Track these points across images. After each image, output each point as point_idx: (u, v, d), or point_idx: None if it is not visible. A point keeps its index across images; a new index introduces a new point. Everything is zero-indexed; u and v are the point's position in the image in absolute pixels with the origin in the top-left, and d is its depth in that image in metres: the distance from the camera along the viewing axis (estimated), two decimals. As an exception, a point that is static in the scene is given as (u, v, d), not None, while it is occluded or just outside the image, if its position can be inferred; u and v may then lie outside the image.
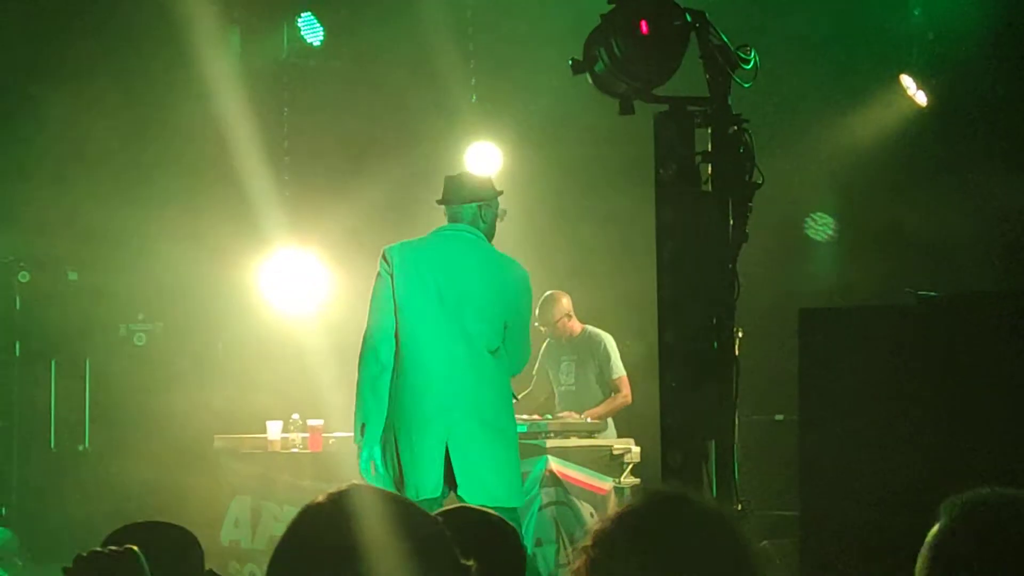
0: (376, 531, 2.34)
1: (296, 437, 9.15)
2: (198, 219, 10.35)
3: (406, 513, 2.40)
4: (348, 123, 10.65)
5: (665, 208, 5.29)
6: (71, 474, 10.60)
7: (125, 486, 10.09)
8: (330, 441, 9.05)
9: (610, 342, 9.50)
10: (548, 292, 9.49)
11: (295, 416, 9.26)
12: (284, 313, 10.45)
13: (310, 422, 9.09)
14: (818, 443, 2.89)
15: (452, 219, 6.89)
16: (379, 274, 6.67)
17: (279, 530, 7.42)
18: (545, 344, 9.66)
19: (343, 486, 2.45)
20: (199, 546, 3.59)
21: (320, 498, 2.37)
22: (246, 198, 10.01)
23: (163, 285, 10.80)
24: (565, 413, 9.21)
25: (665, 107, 5.36)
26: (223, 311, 10.61)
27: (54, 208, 10.29)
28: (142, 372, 10.70)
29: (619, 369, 9.47)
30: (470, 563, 2.34)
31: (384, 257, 6.70)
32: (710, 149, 5.36)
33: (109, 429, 10.76)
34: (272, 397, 9.77)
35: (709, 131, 5.36)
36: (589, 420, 9.06)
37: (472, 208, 6.84)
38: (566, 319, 9.52)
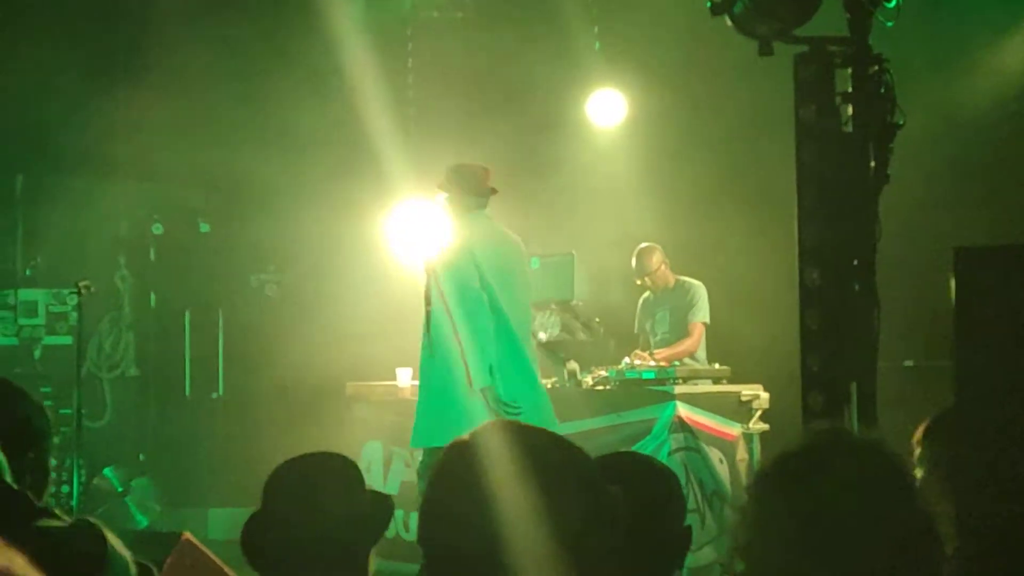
0: (522, 464, 2.39)
1: (426, 384, 9.24)
2: (326, 171, 10.47)
3: (553, 445, 2.44)
4: (471, 74, 10.69)
5: (805, 150, 5.26)
6: (205, 421, 10.82)
7: (258, 433, 10.28)
8: (460, 388, 9.14)
9: (700, 290, 9.56)
10: (643, 245, 9.53)
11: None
12: (410, 262, 10.53)
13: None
14: (977, 393, 2.84)
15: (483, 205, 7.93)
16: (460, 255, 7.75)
17: (410, 476, 7.58)
18: (641, 301, 9.71)
19: (486, 423, 2.50)
20: (359, 470, 3.68)
21: (465, 436, 2.43)
22: (372, 150, 10.10)
23: (293, 236, 10.95)
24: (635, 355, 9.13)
25: (805, 47, 5.32)
26: (351, 261, 10.72)
27: (187, 162, 10.48)
28: (273, 321, 10.88)
29: (698, 315, 9.52)
30: (615, 489, 2.38)
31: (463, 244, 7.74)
32: (850, 90, 5.32)
33: (242, 377, 10.95)
34: (402, 344, 9.88)
35: (849, 72, 5.32)
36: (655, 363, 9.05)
37: None
38: (663, 268, 9.56)
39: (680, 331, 9.56)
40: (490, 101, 10.58)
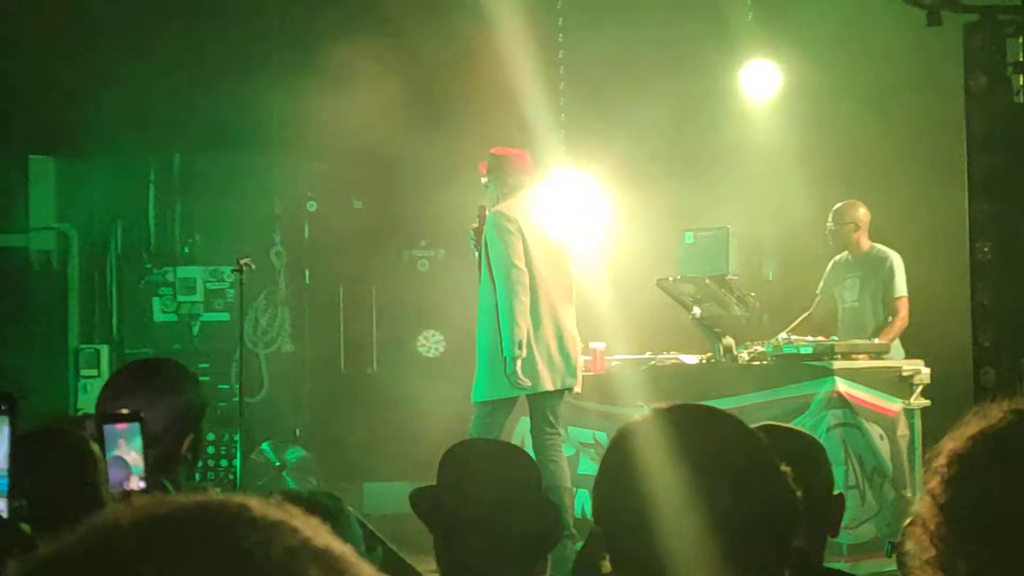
0: (698, 445, 2.35)
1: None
2: (477, 146, 10.46)
3: (727, 427, 2.40)
4: (622, 47, 10.61)
5: (975, 122, 5.13)
6: (360, 396, 10.92)
7: (412, 407, 10.36)
8: (612, 363, 9.11)
9: (897, 261, 9.21)
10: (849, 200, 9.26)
11: (577, 339, 9.33)
12: (562, 236, 10.50)
13: (592, 345, 9.16)
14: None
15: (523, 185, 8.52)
16: (510, 230, 8.28)
17: (565, 451, 7.54)
18: (831, 264, 9.49)
19: (662, 404, 2.47)
20: (526, 455, 3.68)
21: (637, 417, 2.39)
22: (523, 126, 10.09)
23: (444, 212, 10.97)
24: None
25: (975, 16, 5.18)
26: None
27: (340, 138, 10.57)
28: (425, 297, 10.95)
29: (902, 289, 9.19)
30: (787, 470, 2.33)
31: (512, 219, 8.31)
32: (1022, 59, 5.17)
33: (395, 352, 11.04)
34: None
35: (1021, 40, 5.17)
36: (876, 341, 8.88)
37: None
38: (852, 228, 9.23)
39: (867, 300, 9.28)
40: (641, 74, 10.49)
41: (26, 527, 2.31)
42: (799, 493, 2.31)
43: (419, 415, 10.07)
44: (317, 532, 0.95)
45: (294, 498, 2.77)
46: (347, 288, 11.31)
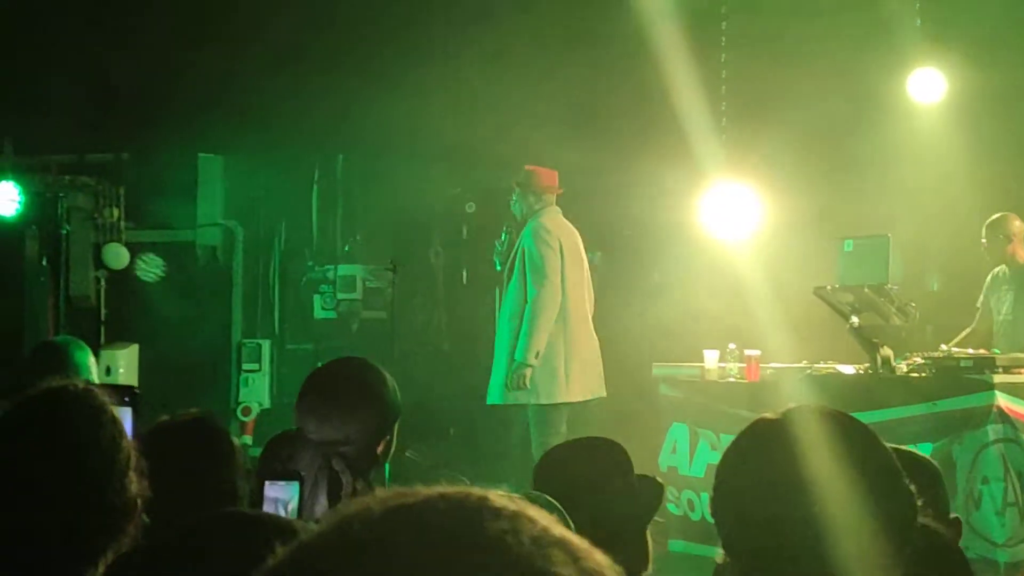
0: (830, 442, 2.31)
1: (733, 367, 9.17)
2: (636, 152, 10.46)
3: (860, 429, 2.36)
4: (786, 52, 10.49)
5: None
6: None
7: (569, 412, 10.36)
8: (767, 371, 9.02)
9: None
10: (1002, 213, 9.08)
11: (732, 346, 9.27)
12: (721, 244, 10.44)
13: (747, 352, 9.09)
14: None
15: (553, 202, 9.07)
16: (550, 245, 8.81)
17: (716, 458, 7.47)
18: (989, 276, 9.27)
19: (791, 405, 2.43)
20: (627, 454, 3.64)
21: (770, 414, 2.37)
22: (684, 131, 10.04)
23: (603, 217, 10.98)
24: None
25: None
26: (660, 242, 10.71)
27: (499, 142, 10.64)
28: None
29: None
30: (913, 489, 2.29)
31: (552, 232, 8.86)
32: None
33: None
34: (710, 326, 9.82)
35: None
36: None
37: None
38: (1004, 241, 9.04)
39: (1022, 314, 9.07)
40: (805, 79, 10.35)
41: (144, 518, 2.33)
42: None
43: (574, 418, 10.07)
44: (552, 522, 0.98)
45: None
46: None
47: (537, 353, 8.63)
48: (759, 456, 2.31)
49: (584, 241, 11.34)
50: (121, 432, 2.30)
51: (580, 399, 8.91)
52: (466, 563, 0.91)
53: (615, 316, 10.49)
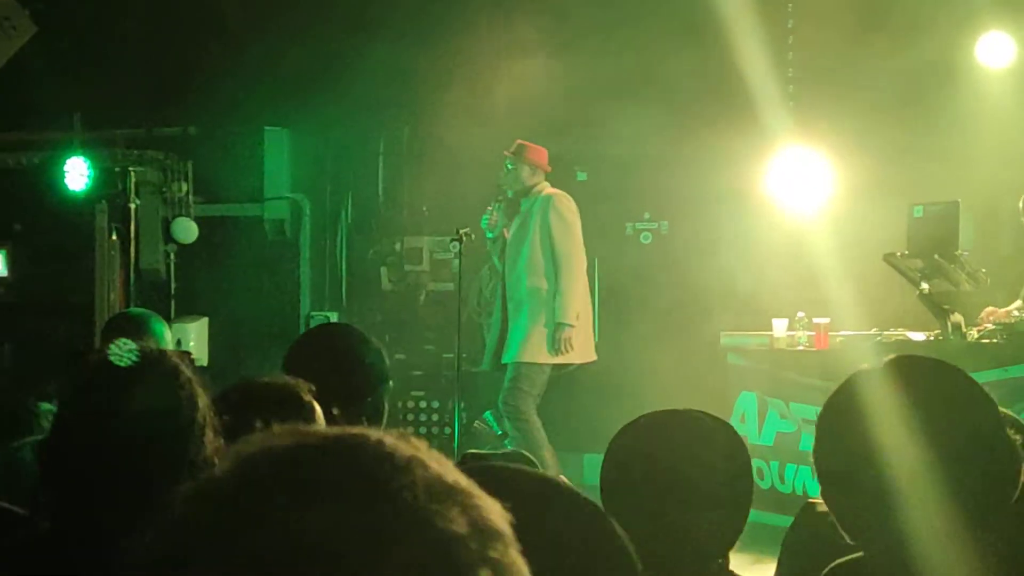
0: (931, 392, 2.30)
1: (802, 335, 9.12)
2: (702, 119, 10.40)
3: (960, 378, 2.35)
4: (854, 17, 10.37)
5: None
6: (581, 367, 10.92)
7: (636, 381, 10.35)
8: (837, 339, 8.96)
9: None
10: None
11: (800, 314, 9.22)
12: (790, 212, 10.36)
13: (816, 320, 9.03)
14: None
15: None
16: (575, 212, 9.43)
17: (786, 427, 7.44)
18: None
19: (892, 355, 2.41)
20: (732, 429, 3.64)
21: (866, 365, 2.36)
22: (750, 98, 9.97)
23: (668, 185, 10.94)
24: None
25: None
26: (727, 210, 10.64)
27: (564, 110, 10.61)
28: (648, 270, 10.92)
29: None
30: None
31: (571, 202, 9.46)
32: None
33: (617, 324, 11.03)
34: (778, 294, 9.76)
35: None
36: None
37: None
38: None
39: None
40: (874, 42, 10.24)
41: None
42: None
43: (639, 386, 10.06)
44: (448, 469, 0.96)
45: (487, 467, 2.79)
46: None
47: (577, 315, 9.17)
48: (854, 406, 2.32)
49: (651, 210, 11.35)
50: (198, 392, 2.37)
51: (584, 361, 9.51)
52: (355, 518, 0.89)
53: (682, 286, 10.46)
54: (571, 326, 9.17)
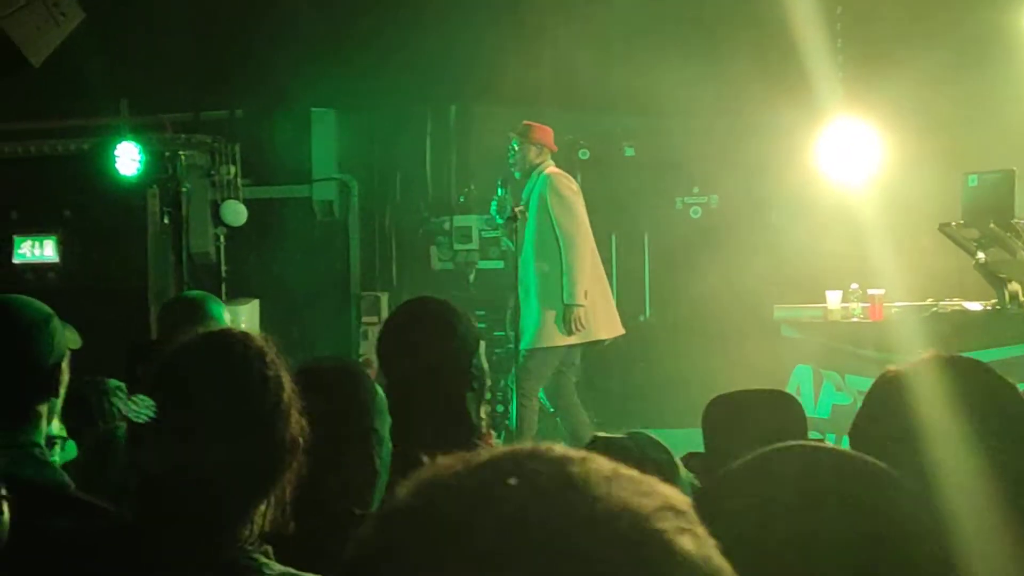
0: (973, 392, 2.26)
1: (856, 306, 9.07)
2: (751, 92, 10.31)
3: (998, 379, 2.31)
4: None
5: None
6: (634, 344, 10.89)
7: (686, 355, 10.32)
8: (892, 310, 8.90)
9: None
10: None
11: (854, 286, 9.16)
12: (840, 183, 10.28)
13: (870, 291, 8.97)
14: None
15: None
16: (575, 191, 9.36)
17: (842, 400, 7.37)
18: None
19: (930, 353, 2.37)
20: (798, 405, 3.65)
21: (893, 367, 2.32)
22: (800, 69, 9.88)
23: (717, 158, 10.87)
24: None
25: None
26: (777, 182, 10.56)
27: (611, 86, 10.56)
28: (698, 244, 10.85)
29: None
30: None
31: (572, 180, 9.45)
32: None
33: (668, 300, 10.99)
34: (831, 266, 9.69)
35: None
36: None
37: None
38: None
39: None
40: (925, 12, 10.14)
41: None
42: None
43: (693, 363, 10.02)
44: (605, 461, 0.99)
45: (619, 448, 2.76)
46: (619, 236, 11.29)
47: (585, 293, 9.07)
48: (893, 403, 2.29)
49: (700, 184, 11.28)
50: (283, 372, 2.39)
51: (610, 336, 9.37)
52: (560, 512, 0.93)
53: (733, 259, 10.39)
54: (580, 305, 9.06)
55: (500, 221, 9.54)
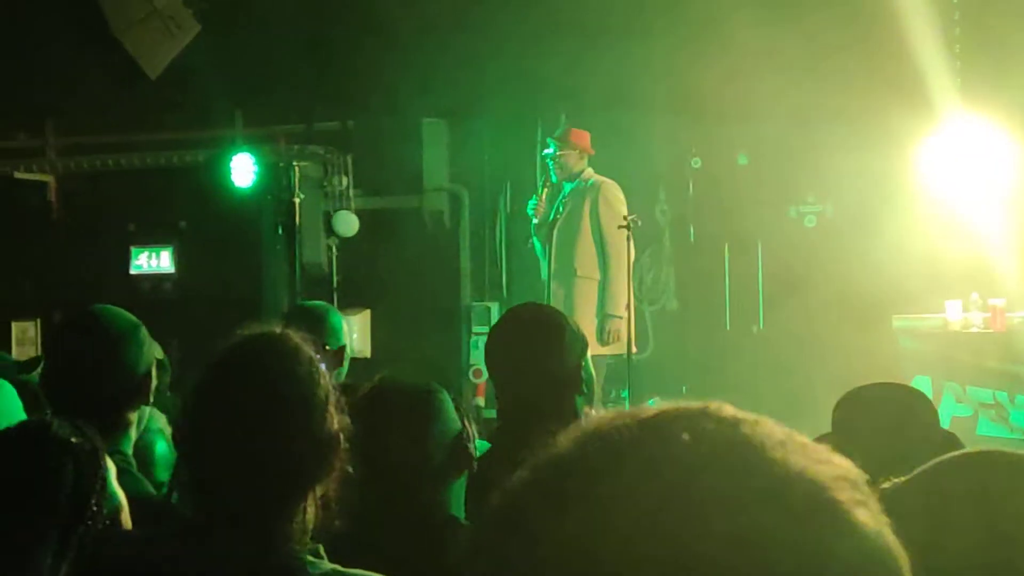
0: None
1: (976, 316, 8.90)
2: (865, 99, 10.16)
3: None
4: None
5: None
6: (745, 354, 10.79)
7: (800, 366, 10.18)
8: (1014, 321, 8.72)
9: None
10: None
11: (975, 295, 8.99)
12: (958, 188, 10.08)
13: (991, 301, 8.81)
14: None
15: None
16: (623, 202, 9.33)
17: (963, 411, 7.23)
18: None
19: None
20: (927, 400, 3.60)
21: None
22: (915, 77, 9.72)
23: (831, 166, 10.70)
24: None
25: None
26: (893, 190, 10.37)
27: (724, 94, 10.45)
28: (813, 253, 10.70)
29: None
30: None
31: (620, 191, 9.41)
32: None
33: (782, 310, 10.85)
34: (950, 275, 9.51)
35: None
36: None
37: None
38: None
39: None
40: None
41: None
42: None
43: (807, 374, 9.89)
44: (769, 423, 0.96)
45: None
46: (732, 245, 11.19)
47: (626, 305, 9.09)
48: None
49: (814, 192, 11.14)
50: (318, 370, 2.45)
51: (637, 352, 9.57)
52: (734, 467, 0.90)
53: (850, 268, 10.23)
54: (620, 317, 9.13)
55: (536, 222, 9.59)
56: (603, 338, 9.11)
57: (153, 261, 11.43)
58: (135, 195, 11.53)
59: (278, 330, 2.53)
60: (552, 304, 8.89)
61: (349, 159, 11.17)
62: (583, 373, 3.72)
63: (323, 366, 2.50)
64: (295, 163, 10.62)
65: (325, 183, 11.04)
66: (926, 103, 9.86)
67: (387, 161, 11.50)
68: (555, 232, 9.37)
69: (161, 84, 11.11)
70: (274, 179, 10.55)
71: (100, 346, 3.39)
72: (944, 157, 10.12)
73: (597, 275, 9.23)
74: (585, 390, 3.70)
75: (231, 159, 10.34)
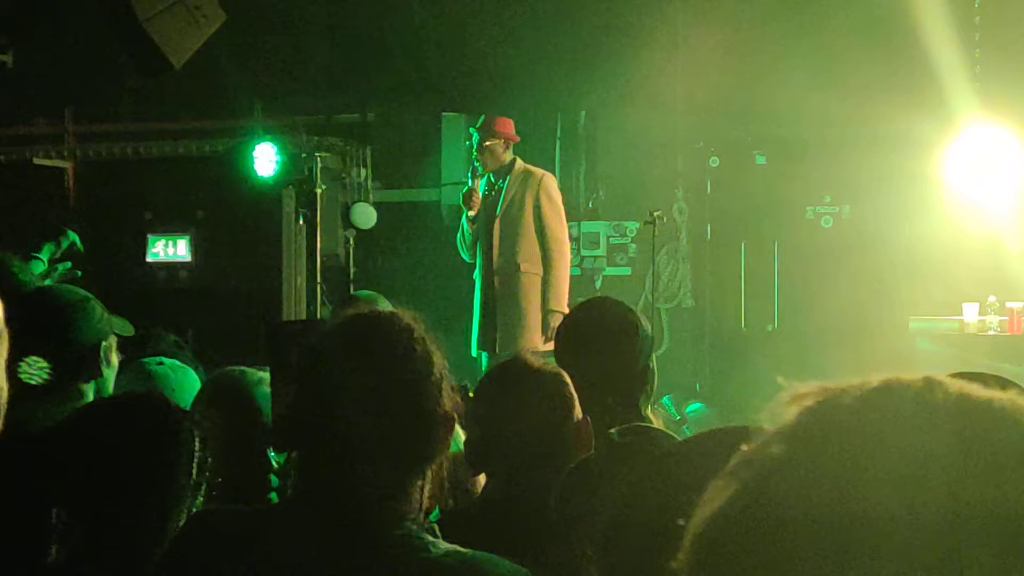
0: None
1: (993, 319, 8.93)
2: (883, 101, 10.19)
3: None
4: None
5: None
6: (760, 353, 10.81)
7: (815, 365, 10.19)
8: (1031, 324, 8.74)
9: None
10: None
11: (992, 298, 9.02)
12: (976, 192, 10.11)
13: (1008, 304, 8.83)
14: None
15: None
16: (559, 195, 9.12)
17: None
18: None
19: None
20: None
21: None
22: (933, 80, 9.74)
23: (849, 167, 10.74)
24: None
25: None
26: (910, 193, 10.40)
27: (743, 94, 10.49)
28: (829, 254, 10.73)
29: None
30: None
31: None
32: None
33: (797, 310, 10.88)
34: (966, 278, 9.54)
35: None
36: None
37: None
38: None
39: None
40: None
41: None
42: None
43: (822, 374, 9.87)
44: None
45: None
46: (748, 245, 11.21)
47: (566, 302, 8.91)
48: None
49: (832, 194, 11.17)
50: (432, 349, 2.42)
51: None
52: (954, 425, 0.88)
53: (866, 269, 10.27)
54: (563, 313, 8.77)
55: (470, 215, 9.27)
56: (548, 333, 8.85)
57: (170, 249, 11.44)
58: (153, 183, 11.53)
59: (389, 311, 2.51)
60: (501, 302, 9.09)
61: (368, 151, 11.19)
62: (649, 371, 3.72)
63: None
64: (317, 154, 10.63)
65: (344, 175, 11.05)
66: (945, 107, 9.89)
67: (406, 154, 11.53)
68: (497, 225, 9.08)
69: (181, 73, 11.09)
70: (296, 169, 10.56)
71: (44, 317, 3.47)
72: (962, 160, 10.14)
73: (539, 270, 8.98)
74: (648, 389, 3.70)
75: (254, 148, 10.36)
